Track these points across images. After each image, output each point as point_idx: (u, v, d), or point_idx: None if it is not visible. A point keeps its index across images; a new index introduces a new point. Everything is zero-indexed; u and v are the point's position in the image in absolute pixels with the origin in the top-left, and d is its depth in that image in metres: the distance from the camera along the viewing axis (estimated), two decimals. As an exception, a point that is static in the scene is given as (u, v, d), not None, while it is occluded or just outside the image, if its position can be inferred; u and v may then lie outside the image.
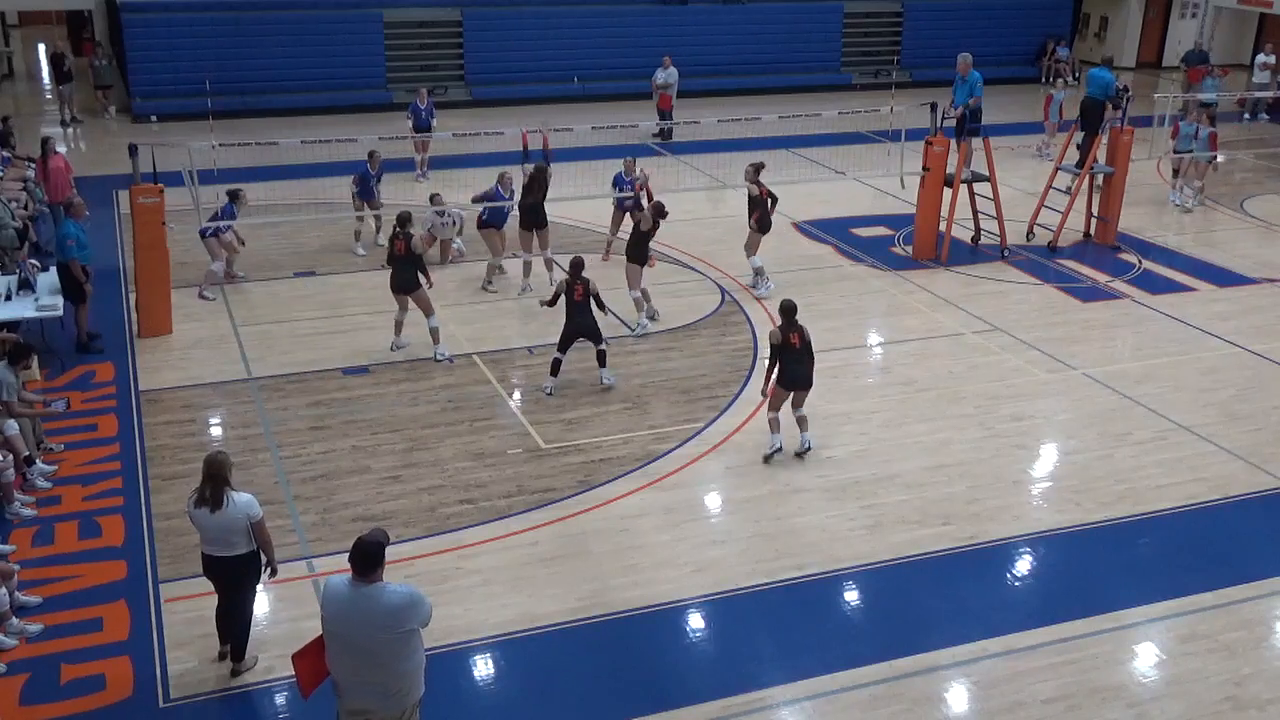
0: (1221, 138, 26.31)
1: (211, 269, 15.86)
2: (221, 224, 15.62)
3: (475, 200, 16.41)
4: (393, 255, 13.64)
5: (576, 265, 13.01)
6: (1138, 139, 18.85)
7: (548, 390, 12.96)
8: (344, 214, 19.06)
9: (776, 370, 11.35)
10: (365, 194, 17.75)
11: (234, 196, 15.83)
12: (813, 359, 11.44)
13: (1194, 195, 20.87)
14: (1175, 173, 21.17)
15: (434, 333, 13.82)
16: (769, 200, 15.86)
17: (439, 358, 13.74)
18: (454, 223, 17.08)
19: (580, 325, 12.98)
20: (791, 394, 11.52)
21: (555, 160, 17.16)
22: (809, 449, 11.61)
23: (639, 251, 14.72)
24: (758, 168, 15.98)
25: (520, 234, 16.12)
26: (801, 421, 11.66)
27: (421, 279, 13.61)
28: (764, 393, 11.58)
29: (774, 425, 11.55)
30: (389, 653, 6.51)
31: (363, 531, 10.04)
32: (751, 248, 16.08)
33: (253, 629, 8.51)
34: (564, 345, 13.06)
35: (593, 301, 12.98)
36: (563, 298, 13.01)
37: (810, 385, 11.51)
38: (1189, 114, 21.25)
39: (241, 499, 7.98)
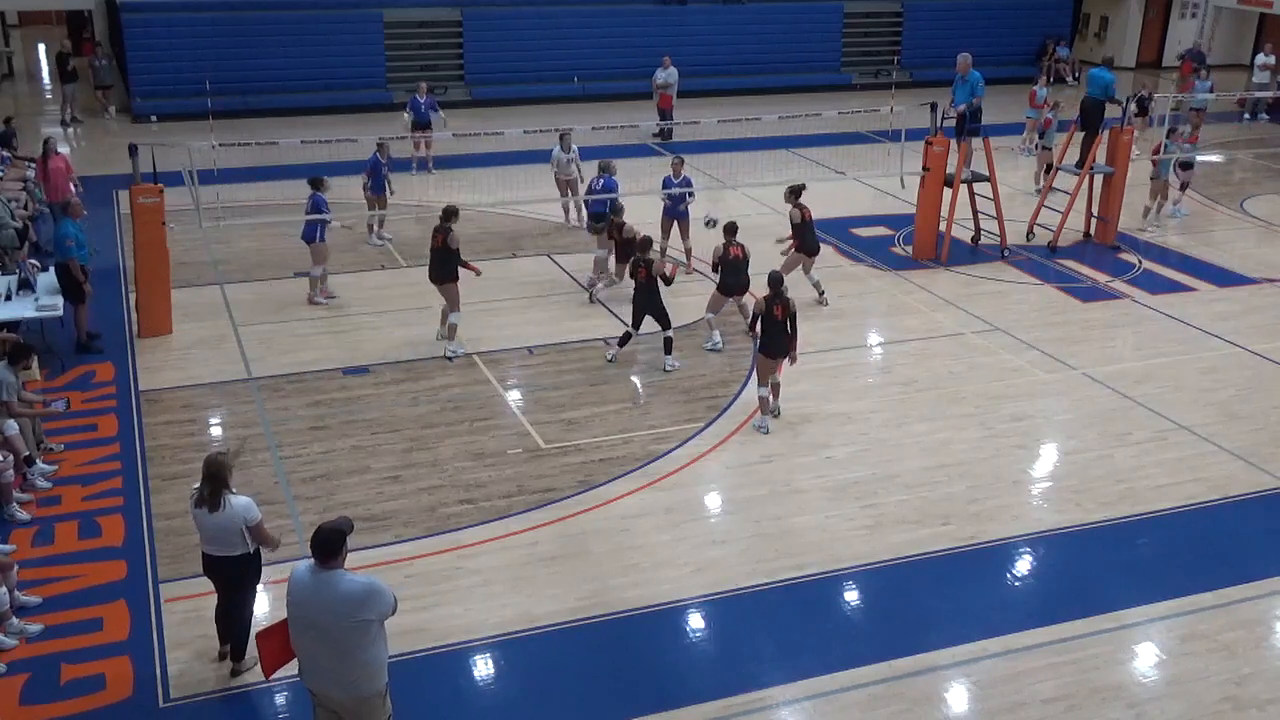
0: (1221, 137, 26.42)
1: (315, 273, 15.66)
2: (327, 217, 15.47)
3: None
4: (431, 248, 13.83)
5: (644, 244, 13.55)
6: (1138, 139, 18.84)
7: (610, 357, 13.72)
8: (345, 214, 19.08)
9: (760, 339, 12.15)
10: (377, 187, 17.72)
11: (317, 184, 15.54)
12: (794, 333, 12.04)
13: (1172, 208, 20.33)
14: (1147, 210, 19.87)
15: (451, 328, 13.94)
16: (809, 222, 15.32)
17: (448, 354, 13.85)
18: (577, 167, 17.49)
19: (644, 304, 13.47)
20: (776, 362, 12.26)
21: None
22: (777, 415, 12.34)
23: (725, 281, 14.04)
24: (797, 190, 15.37)
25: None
26: (775, 388, 12.32)
27: (463, 271, 13.80)
28: (751, 332, 13.08)
29: (763, 405, 12.25)
30: (345, 640, 6.57)
31: (364, 531, 10.10)
32: (788, 268, 14.73)
33: (253, 628, 8.51)
34: (635, 321, 13.64)
35: (660, 282, 13.42)
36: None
37: (785, 355, 12.12)
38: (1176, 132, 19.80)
39: (239, 502, 7.97)
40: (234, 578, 8.20)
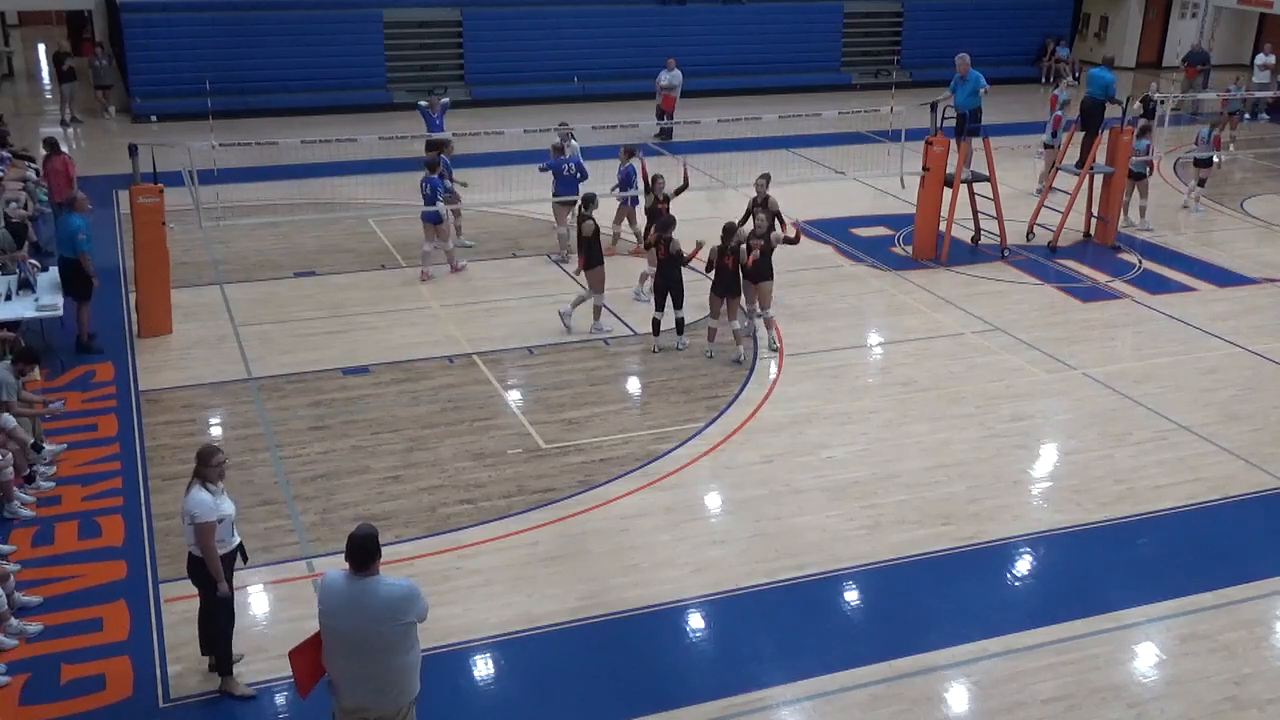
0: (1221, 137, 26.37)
1: (428, 249, 16.50)
2: (444, 204, 16.17)
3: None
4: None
5: (666, 224, 13.96)
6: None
7: (655, 350, 14.06)
8: (344, 214, 19.11)
9: (713, 282, 13.65)
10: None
11: (433, 168, 16.26)
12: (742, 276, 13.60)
13: (1194, 204, 20.80)
14: (1143, 210, 19.71)
15: (594, 310, 14.59)
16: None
17: (593, 331, 14.51)
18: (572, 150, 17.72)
19: (665, 282, 13.92)
20: (725, 301, 13.69)
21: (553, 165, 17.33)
22: (773, 347, 13.96)
23: (716, 284, 13.89)
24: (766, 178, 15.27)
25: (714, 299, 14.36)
26: (750, 326, 14.03)
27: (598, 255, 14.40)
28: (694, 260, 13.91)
29: (710, 334, 13.87)
30: (386, 647, 6.51)
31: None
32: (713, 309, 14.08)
33: (253, 628, 8.51)
34: (658, 303, 14.07)
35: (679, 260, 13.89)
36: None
37: (736, 294, 13.66)
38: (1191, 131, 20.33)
39: (194, 497, 7.74)
40: (193, 577, 8.01)
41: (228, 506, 7.95)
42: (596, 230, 14.37)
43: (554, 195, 17.45)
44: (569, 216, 16.96)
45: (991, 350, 14.40)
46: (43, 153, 17.94)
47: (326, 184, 19.18)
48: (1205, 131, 20.61)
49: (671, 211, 14.89)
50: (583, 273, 14.64)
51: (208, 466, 7.83)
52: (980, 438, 12.13)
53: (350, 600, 6.50)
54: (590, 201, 14.66)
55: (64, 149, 18.40)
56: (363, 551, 6.48)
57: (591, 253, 14.34)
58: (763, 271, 13.73)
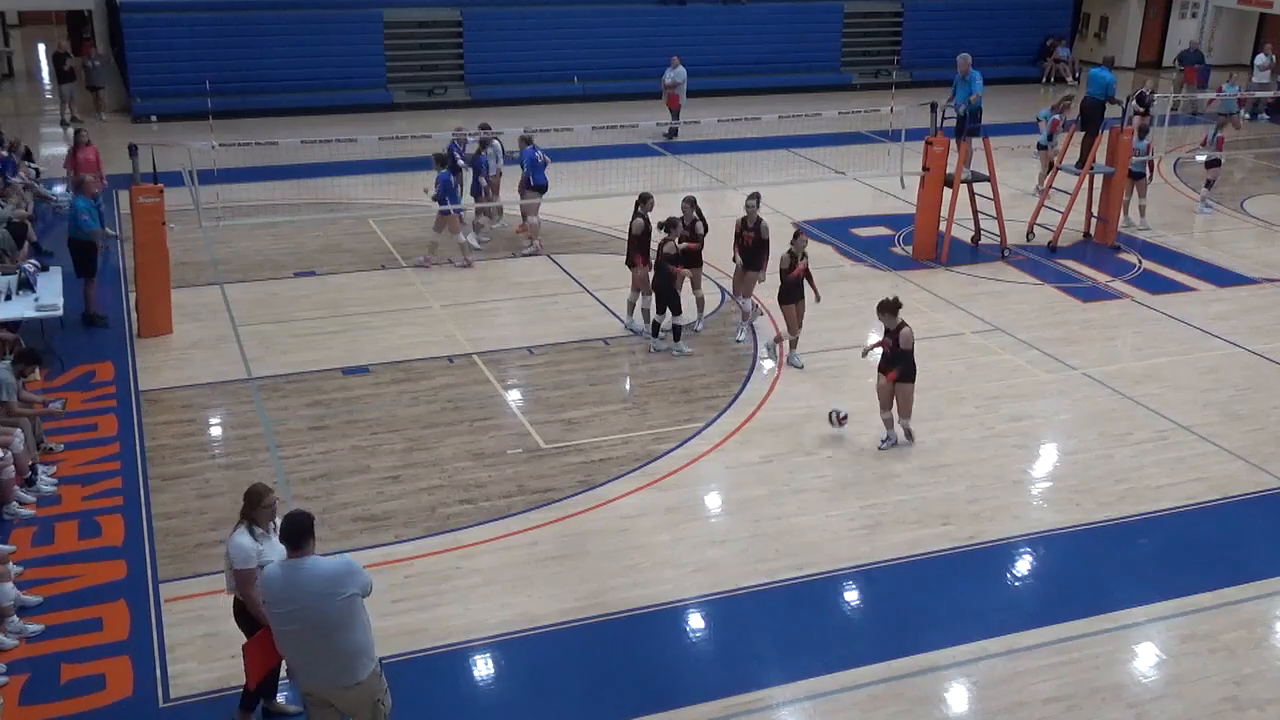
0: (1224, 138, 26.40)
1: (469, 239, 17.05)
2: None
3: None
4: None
5: (668, 225, 13.92)
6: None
7: (651, 351, 14.11)
8: (344, 214, 19.09)
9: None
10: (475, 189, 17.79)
11: (484, 144, 16.73)
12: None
13: (1201, 206, 20.91)
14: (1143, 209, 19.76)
15: (638, 310, 14.53)
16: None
17: (630, 328, 14.62)
18: (498, 158, 17.87)
19: (659, 285, 13.87)
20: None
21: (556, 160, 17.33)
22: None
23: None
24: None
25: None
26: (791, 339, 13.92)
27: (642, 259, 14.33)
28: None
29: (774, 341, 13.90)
30: (334, 622, 6.52)
31: (364, 531, 10.12)
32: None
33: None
34: (659, 306, 14.03)
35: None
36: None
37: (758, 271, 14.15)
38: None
39: (234, 541, 7.43)
40: (238, 621, 7.77)
41: (271, 553, 7.32)
42: (646, 228, 14.31)
43: (527, 188, 17.54)
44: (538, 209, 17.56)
45: (991, 350, 14.40)
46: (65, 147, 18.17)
47: (326, 184, 19.16)
48: (1212, 133, 20.68)
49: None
50: (633, 270, 14.47)
51: (257, 509, 7.40)
52: (980, 438, 12.13)
53: (289, 582, 6.54)
54: (645, 200, 14.47)
55: (61, 148, 18.68)
56: (301, 531, 6.52)
57: (638, 251, 14.34)
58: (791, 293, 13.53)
